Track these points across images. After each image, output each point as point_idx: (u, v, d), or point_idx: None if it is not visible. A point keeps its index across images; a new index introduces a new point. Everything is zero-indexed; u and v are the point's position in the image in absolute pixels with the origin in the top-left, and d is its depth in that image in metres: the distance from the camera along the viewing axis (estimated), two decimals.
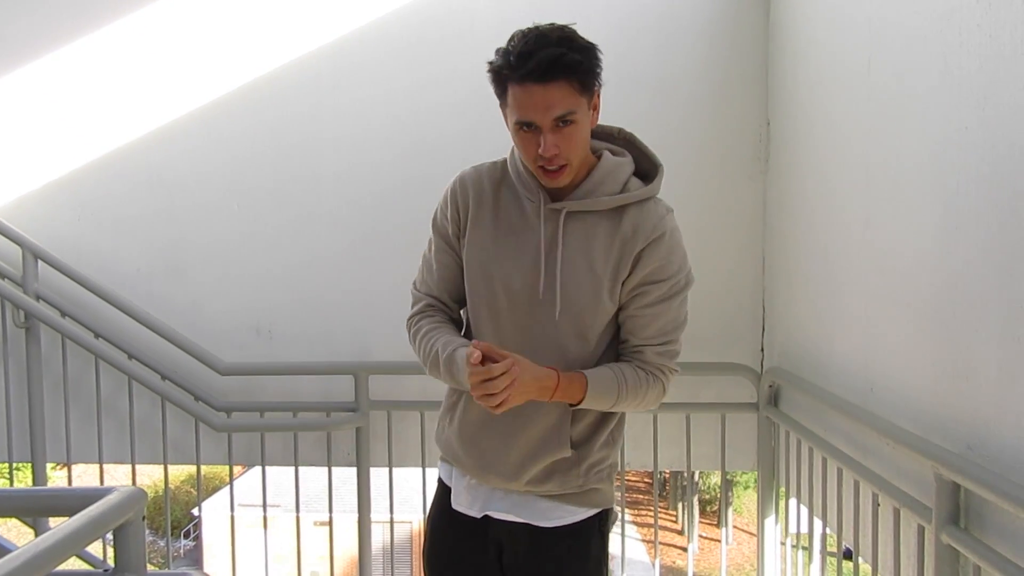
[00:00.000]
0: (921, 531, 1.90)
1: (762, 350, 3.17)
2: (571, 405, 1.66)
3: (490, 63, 1.56)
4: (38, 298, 3.16)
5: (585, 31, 1.57)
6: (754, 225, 3.14)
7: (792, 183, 2.89)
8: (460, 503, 1.79)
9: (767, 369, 3.08)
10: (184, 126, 3.22)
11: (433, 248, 1.79)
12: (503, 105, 1.60)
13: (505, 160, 1.73)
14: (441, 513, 1.84)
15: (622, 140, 1.74)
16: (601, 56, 1.57)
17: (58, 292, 3.20)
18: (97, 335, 3.16)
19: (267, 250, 3.24)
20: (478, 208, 1.70)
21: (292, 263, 3.23)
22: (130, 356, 3.16)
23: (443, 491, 1.84)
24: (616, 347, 1.72)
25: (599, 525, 1.76)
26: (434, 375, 1.73)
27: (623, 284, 1.64)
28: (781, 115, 2.99)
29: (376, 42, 3.15)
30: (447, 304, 1.79)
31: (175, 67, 3.21)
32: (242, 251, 3.25)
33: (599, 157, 1.68)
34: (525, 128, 1.56)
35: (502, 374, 1.50)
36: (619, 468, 1.86)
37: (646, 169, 1.71)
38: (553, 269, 1.64)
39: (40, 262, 3.15)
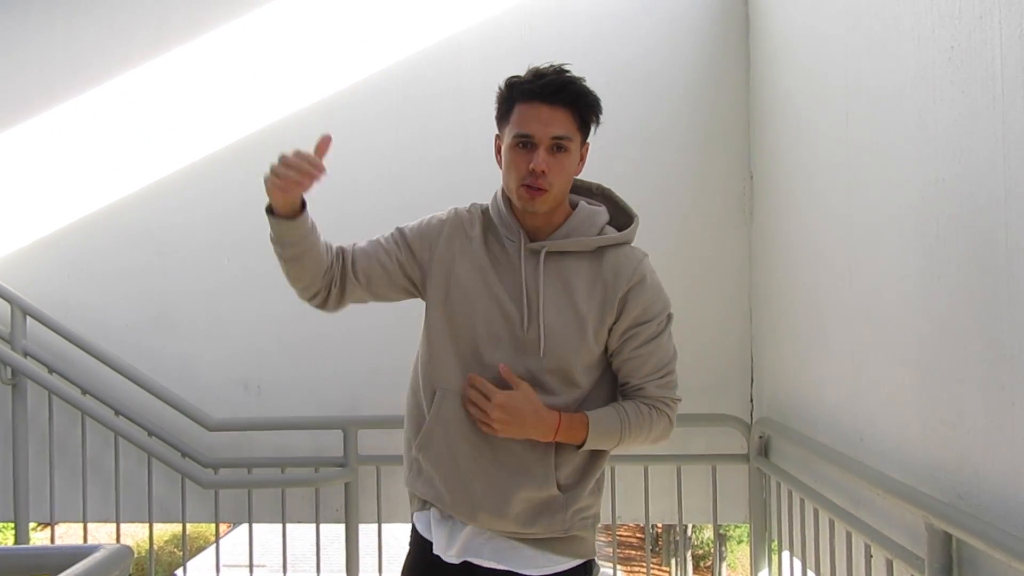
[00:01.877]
0: None
1: (751, 401, 3.18)
2: (577, 447, 1.67)
3: (505, 79, 1.65)
4: (26, 355, 3.14)
5: None
6: (740, 277, 3.18)
7: (776, 235, 2.94)
8: (439, 547, 1.73)
9: (757, 420, 3.08)
10: (173, 183, 3.25)
11: (388, 239, 1.76)
12: (502, 127, 1.66)
13: (487, 205, 1.76)
14: (418, 566, 1.78)
15: (600, 195, 1.81)
16: (602, 111, 1.65)
17: (46, 348, 3.18)
18: (84, 391, 3.14)
19: (256, 305, 3.24)
20: (462, 246, 1.71)
21: (281, 318, 3.23)
22: (117, 412, 3.13)
23: (419, 546, 1.78)
24: (602, 393, 1.73)
25: None
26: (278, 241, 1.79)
27: (611, 329, 1.67)
28: (764, 169, 3.05)
29: (365, 100, 3.21)
30: (355, 261, 1.73)
31: (164, 125, 3.26)
32: (231, 306, 3.26)
33: (575, 207, 1.73)
34: (521, 145, 1.61)
35: (498, 403, 1.60)
36: (601, 520, 1.84)
37: (621, 222, 1.76)
38: (536, 307, 1.66)
39: (28, 318, 3.15)
